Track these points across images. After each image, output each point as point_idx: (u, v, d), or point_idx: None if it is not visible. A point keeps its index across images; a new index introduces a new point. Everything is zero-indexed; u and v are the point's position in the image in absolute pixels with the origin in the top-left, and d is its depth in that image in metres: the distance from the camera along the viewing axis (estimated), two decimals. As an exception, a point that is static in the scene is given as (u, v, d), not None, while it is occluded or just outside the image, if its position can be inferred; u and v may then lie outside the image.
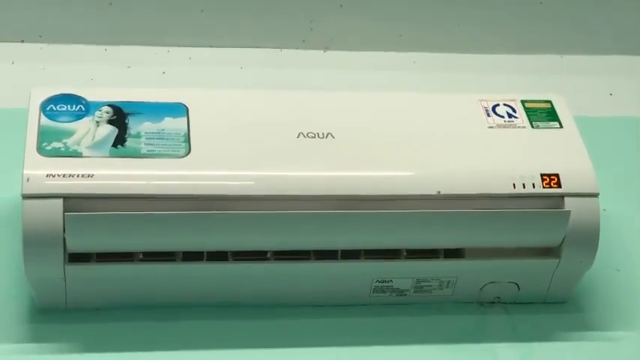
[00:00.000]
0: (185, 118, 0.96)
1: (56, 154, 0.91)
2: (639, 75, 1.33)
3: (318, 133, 0.97)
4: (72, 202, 0.89)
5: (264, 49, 1.30)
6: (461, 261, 0.98)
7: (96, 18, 1.25)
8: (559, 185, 0.96)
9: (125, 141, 0.93)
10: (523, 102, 1.03)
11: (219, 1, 1.27)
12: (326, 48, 1.31)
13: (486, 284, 1.01)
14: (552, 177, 0.96)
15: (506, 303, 1.02)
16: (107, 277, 0.94)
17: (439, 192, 0.94)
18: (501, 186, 0.95)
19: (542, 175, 0.96)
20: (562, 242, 0.97)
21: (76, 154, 0.91)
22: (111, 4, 1.25)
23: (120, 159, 0.92)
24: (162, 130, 0.95)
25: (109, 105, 0.96)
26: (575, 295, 1.03)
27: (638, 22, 1.33)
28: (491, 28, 1.32)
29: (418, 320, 1.00)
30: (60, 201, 0.89)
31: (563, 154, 0.98)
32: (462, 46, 1.32)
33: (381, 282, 0.99)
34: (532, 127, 1.01)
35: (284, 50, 1.30)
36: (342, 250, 0.96)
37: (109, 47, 1.27)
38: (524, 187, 0.95)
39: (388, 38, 1.31)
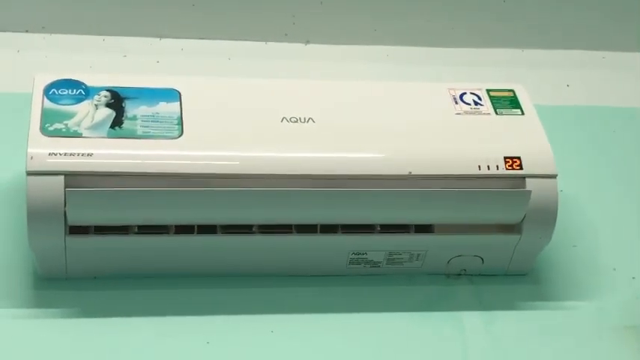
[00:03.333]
0: (178, 103, 0.96)
1: (58, 134, 0.91)
2: (593, 68, 1.34)
3: (300, 118, 0.96)
4: (72, 178, 0.89)
5: (250, 41, 1.30)
6: (430, 236, 0.98)
7: (95, 10, 1.25)
8: (520, 167, 0.96)
9: (122, 123, 0.93)
10: (488, 91, 1.03)
11: (210, -3, 1.27)
12: (307, 41, 1.31)
13: (453, 257, 1.01)
14: (514, 160, 0.96)
15: (471, 275, 1.03)
16: (104, 248, 0.94)
17: (410, 172, 0.94)
18: (468, 167, 0.95)
19: (505, 157, 0.96)
20: (523, 219, 0.97)
21: (77, 135, 0.91)
22: (109, -3, 1.25)
23: (117, 139, 0.92)
24: (157, 113, 0.94)
25: (107, 90, 0.96)
26: (534, 268, 1.04)
27: (590, 20, 1.33)
28: (458, 24, 1.32)
29: (390, 290, 1.00)
30: (61, 178, 0.89)
31: (524, 138, 0.98)
32: (431, 40, 1.32)
33: (356, 254, 0.99)
34: (496, 113, 1.01)
35: (269, 43, 1.30)
36: (320, 225, 0.96)
37: (107, 37, 1.26)
38: (488, 168, 0.96)
39: (364, 33, 1.32)
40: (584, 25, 1.34)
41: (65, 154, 0.89)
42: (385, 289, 1.00)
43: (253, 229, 0.95)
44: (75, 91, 0.95)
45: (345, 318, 0.97)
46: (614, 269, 1.06)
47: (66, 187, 0.88)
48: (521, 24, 1.33)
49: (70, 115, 0.92)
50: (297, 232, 0.96)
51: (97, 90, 0.95)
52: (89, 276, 0.96)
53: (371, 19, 1.31)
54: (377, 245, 0.98)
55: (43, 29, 1.25)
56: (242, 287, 0.98)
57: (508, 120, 1.00)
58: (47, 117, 0.92)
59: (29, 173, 0.89)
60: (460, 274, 1.03)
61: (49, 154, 0.89)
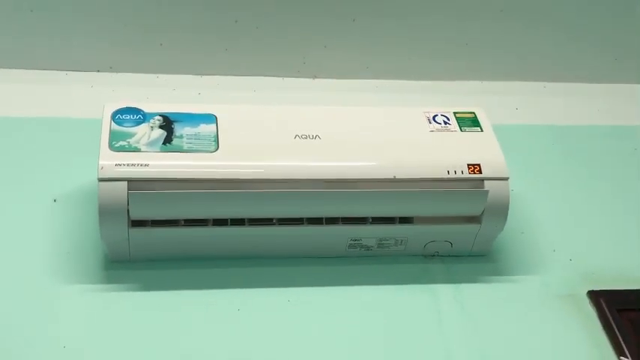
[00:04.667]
0: (215, 125, 0.96)
1: (122, 149, 0.91)
2: (536, 95, 1.33)
3: (309, 135, 0.96)
4: (134, 183, 0.89)
5: (270, 77, 1.30)
6: (410, 226, 0.98)
7: (151, 54, 1.25)
8: (480, 172, 0.96)
9: (172, 140, 0.93)
10: (455, 113, 1.02)
11: (239, 43, 1.26)
12: (314, 76, 1.31)
13: (428, 242, 1.00)
14: (475, 166, 0.96)
15: (442, 256, 1.02)
16: (159, 237, 0.94)
17: (395, 177, 0.94)
18: (439, 172, 0.95)
19: (468, 164, 0.96)
20: (482, 212, 0.97)
21: (137, 150, 0.91)
22: (161, 44, 1.25)
23: (168, 153, 0.92)
24: (199, 132, 0.94)
25: (160, 115, 0.96)
26: (491, 250, 1.03)
27: (533, 58, 1.33)
28: (432, 63, 1.32)
29: (380, 268, 1.00)
30: (125, 183, 0.89)
31: (483, 149, 0.98)
32: (411, 75, 1.32)
33: (353, 240, 0.99)
34: (461, 130, 1.00)
35: (285, 78, 1.30)
36: (325, 218, 0.96)
37: (160, 75, 1.26)
38: (455, 173, 0.95)
39: (358, 69, 1.31)
40: (529, 61, 1.34)
41: (128, 165, 0.90)
42: (376, 268, 1.00)
43: (273, 221, 0.95)
44: (135, 116, 0.95)
45: (345, 290, 0.97)
46: (554, 250, 1.06)
47: (129, 190, 0.89)
48: (480, 62, 1.32)
49: (131, 135, 0.93)
50: (307, 224, 0.96)
51: (152, 115, 0.96)
52: (147, 259, 0.96)
53: (363, 59, 1.31)
54: (369, 233, 0.98)
55: (110, 69, 1.26)
56: (265, 266, 0.98)
57: (470, 135, 1.00)
58: (114, 136, 0.92)
59: (100, 180, 0.89)
60: (434, 256, 1.02)
61: (116, 164, 0.89)
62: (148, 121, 0.95)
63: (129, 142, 0.92)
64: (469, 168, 0.96)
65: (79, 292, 0.92)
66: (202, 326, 0.91)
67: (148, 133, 0.93)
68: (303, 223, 0.95)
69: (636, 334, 0.95)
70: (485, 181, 0.95)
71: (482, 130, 1.01)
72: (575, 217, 1.11)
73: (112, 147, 0.91)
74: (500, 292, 0.99)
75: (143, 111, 0.96)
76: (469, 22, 1.29)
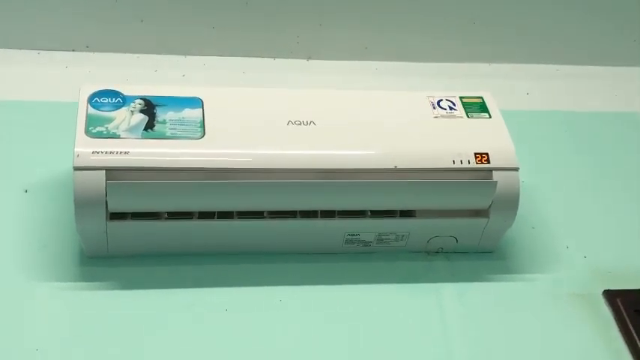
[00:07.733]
0: (201, 109, 0.96)
1: (100, 136, 0.91)
2: (548, 79, 1.33)
3: (303, 121, 0.96)
4: (112, 173, 0.89)
5: (261, 57, 1.30)
6: (412, 220, 0.98)
7: (130, 32, 1.25)
8: (488, 161, 0.96)
9: (154, 126, 0.93)
10: (461, 98, 1.03)
11: (227, 20, 1.26)
12: (309, 57, 1.31)
13: (432, 238, 1.01)
14: (483, 155, 0.96)
15: (447, 252, 1.02)
16: (140, 232, 0.94)
17: (396, 166, 0.94)
18: (444, 162, 0.95)
19: (475, 153, 0.96)
20: (490, 205, 0.97)
21: (115, 136, 0.91)
22: (142, 21, 1.24)
23: (149, 140, 0.91)
24: (183, 118, 0.94)
25: (141, 98, 0.96)
26: (500, 247, 1.04)
27: (545, 39, 1.33)
28: (436, 43, 1.32)
29: (379, 265, 1.00)
30: (103, 172, 0.89)
31: (491, 137, 0.98)
32: (413, 56, 1.32)
33: (350, 235, 0.99)
34: (468, 117, 1.00)
35: (276, 59, 1.30)
36: (321, 211, 0.96)
37: (140, 55, 1.26)
38: (461, 162, 0.95)
39: (356, 50, 1.31)
40: (540, 43, 1.34)
41: (106, 153, 0.89)
42: (375, 265, 1.00)
43: (264, 215, 0.95)
44: (114, 99, 0.95)
45: (341, 289, 0.97)
46: (567, 247, 1.06)
47: (107, 180, 0.88)
48: (488, 42, 1.33)
49: (109, 120, 0.92)
50: (301, 217, 0.96)
51: (133, 99, 0.95)
52: (127, 255, 0.96)
53: (362, 39, 1.31)
54: (368, 228, 0.98)
55: (87, 48, 1.25)
56: (255, 263, 0.98)
57: (478, 122, 1.00)
58: (91, 121, 0.92)
59: (76, 169, 0.89)
60: (438, 252, 1.02)
61: (93, 152, 0.89)
62: (128, 105, 0.94)
63: (107, 127, 0.91)
64: (476, 157, 0.96)
65: (52, 290, 0.92)
66: (187, 328, 0.91)
67: (127, 118, 0.93)
68: (296, 217, 0.95)
69: (655, 337, 0.95)
70: (494, 172, 0.95)
71: (490, 117, 1.01)
72: (590, 211, 1.11)
73: (88, 133, 0.91)
74: (508, 291, 1.00)
75: (122, 94, 0.95)
76: (477, -1, 1.29)
